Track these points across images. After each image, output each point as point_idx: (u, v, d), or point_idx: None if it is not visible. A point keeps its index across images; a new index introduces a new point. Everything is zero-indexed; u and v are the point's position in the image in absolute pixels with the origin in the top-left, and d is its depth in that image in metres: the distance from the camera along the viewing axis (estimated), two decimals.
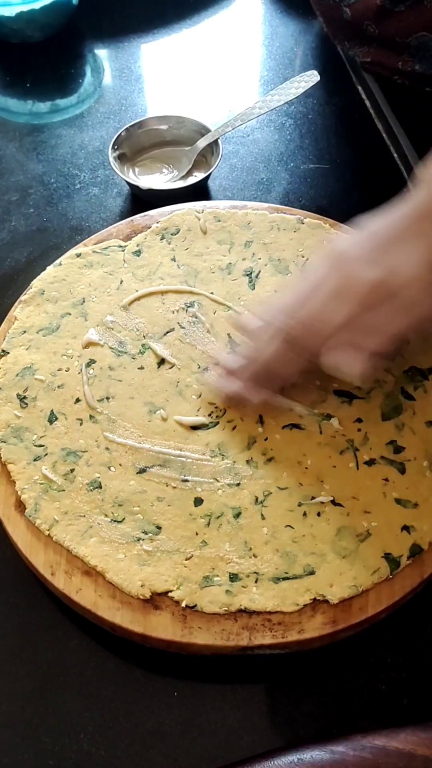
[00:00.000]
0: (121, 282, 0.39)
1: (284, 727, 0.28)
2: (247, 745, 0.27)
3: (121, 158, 0.47)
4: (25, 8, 0.52)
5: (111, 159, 0.46)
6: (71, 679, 0.29)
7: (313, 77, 0.47)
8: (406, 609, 0.30)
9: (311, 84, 0.47)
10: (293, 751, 0.25)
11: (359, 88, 0.53)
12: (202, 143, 0.47)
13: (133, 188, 0.46)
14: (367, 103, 0.51)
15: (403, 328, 0.28)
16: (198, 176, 0.46)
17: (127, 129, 0.47)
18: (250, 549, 0.30)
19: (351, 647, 0.29)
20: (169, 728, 0.28)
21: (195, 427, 0.34)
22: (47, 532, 0.30)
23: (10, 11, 0.52)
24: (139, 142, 0.48)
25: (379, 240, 0.28)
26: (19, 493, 0.32)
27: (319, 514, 0.31)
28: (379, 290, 0.27)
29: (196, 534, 0.30)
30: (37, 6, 0.52)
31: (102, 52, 0.58)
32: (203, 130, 0.47)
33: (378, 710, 0.28)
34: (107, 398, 0.35)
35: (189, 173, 0.47)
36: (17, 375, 0.35)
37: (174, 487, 0.32)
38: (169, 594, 0.29)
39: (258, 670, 0.29)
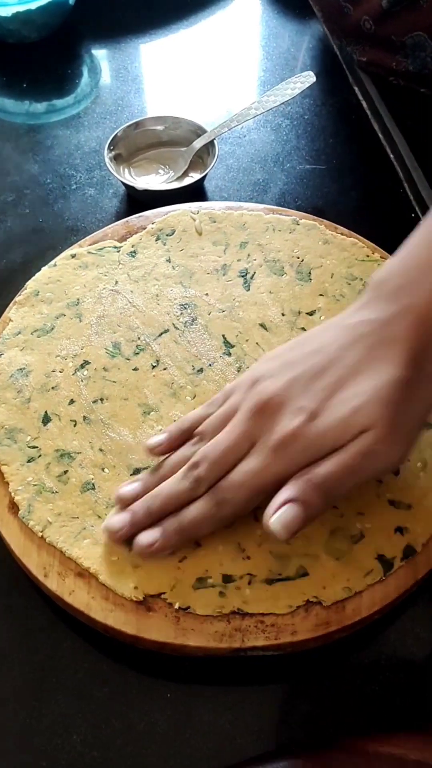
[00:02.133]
0: (116, 283, 0.39)
1: (277, 729, 0.28)
2: (240, 747, 0.27)
3: (117, 159, 0.47)
4: (22, 8, 0.52)
5: (107, 159, 0.46)
6: (64, 680, 0.29)
7: (309, 78, 0.47)
8: (398, 610, 0.30)
9: (307, 85, 0.47)
10: (284, 758, 0.25)
11: (356, 89, 0.53)
12: (198, 144, 0.47)
13: (129, 189, 0.46)
14: (364, 104, 0.51)
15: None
16: (194, 177, 0.46)
17: (123, 129, 0.47)
18: (244, 551, 0.30)
19: (344, 648, 0.29)
20: (162, 729, 0.28)
21: None
22: (40, 534, 0.30)
23: (6, 11, 0.52)
24: (135, 143, 0.48)
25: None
26: (12, 494, 0.31)
27: None
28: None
29: None
30: (33, 6, 0.52)
31: (99, 53, 0.58)
32: (199, 131, 0.47)
33: (372, 711, 0.28)
34: (101, 399, 0.35)
35: (185, 174, 0.47)
36: (11, 376, 0.35)
37: None
38: (162, 596, 0.29)
39: (251, 672, 0.29)
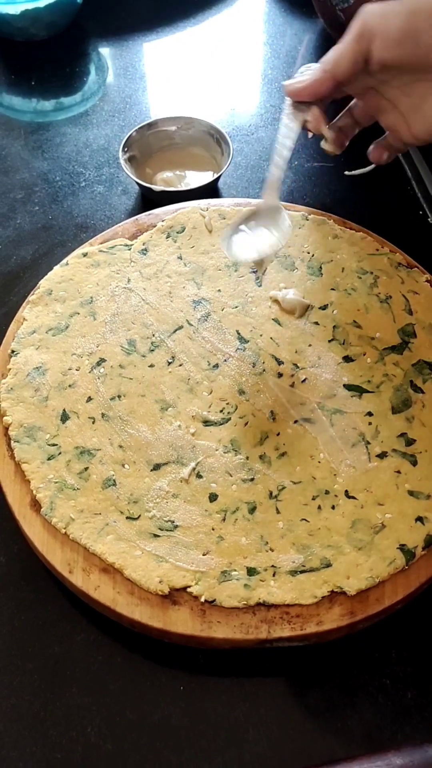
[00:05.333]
0: (129, 281, 0.39)
1: (289, 721, 0.28)
2: (253, 738, 0.28)
3: (131, 160, 0.46)
4: (30, 6, 0.52)
5: (122, 162, 0.45)
6: (78, 672, 0.29)
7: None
8: (408, 605, 0.30)
9: None
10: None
11: None
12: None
13: (144, 190, 0.46)
14: None
15: None
16: (208, 177, 0.46)
17: (136, 131, 0.46)
18: (267, 543, 0.30)
19: (355, 642, 0.30)
20: (176, 721, 0.28)
21: (207, 424, 0.34)
22: (64, 531, 0.30)
23: (15, 9, 0.52)
24: (148, 144, 0.47)
25: None
26: (34, 492, 0.32)
27: (333, 507, 0.31)
28: None
29: (213, 529, 0.31)
30: (41, 4, 0.52)
31: (106, 51, 0.58)
32: (212, 131, 0.47)
33: (382, 703, 0.29)
34: (118, 396, 0.35)
35: (199, 171, 0.47)
36: (27, 375, 0.35)
37: (188, 484, 0.32)
38: (188, 589, 0.29)
39: (263, 664, 0.29)
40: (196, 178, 0.47)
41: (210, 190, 0.47)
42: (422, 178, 0.47)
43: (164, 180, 0.47)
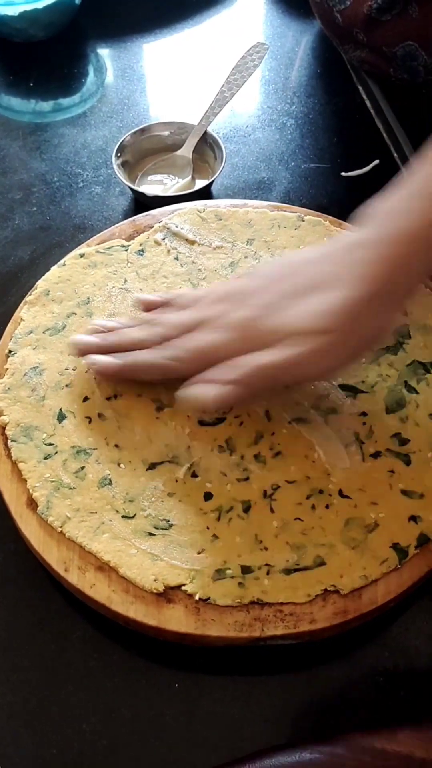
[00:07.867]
0: (125, 281, 0.40)
1: (284, 719, 0.28)
2: (248, 736, 0.28)
3: (124, 165, 0.47)
4: (29, 7, 0.52)
5: (115, 167, 0.46)
6: (74, 670, 0.29)
7: (263, 47, 0.48)
8: (401, 603, 0.30)
9: (265, 54, 0.48)
10: (292, 751, 0.25)
11: (360, 88, 0.53)
12: (188, 148, 0.47)
13: (138, 195, 0.46)
14: (368, 103, 0.52)
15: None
16: (201, 182, 0.47)
17: (129, 136, 0.47)
18: (261, 542, 0.30)
19: (349, 641, 0.30)
20: (171, 719, 0.28)
21: (202, 423, 0.34)
22: (60, 529, 0.31)
23: (13, 10, 0.52)
24: (141, 149, 0.47)
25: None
26: (30, 491, 0.32)
27: (327, 506, 0.31)
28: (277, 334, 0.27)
29: (207, 528, 0.31)
30: (40, 5, 0.53)
31: (104, 52, 0.58)
32: (206, 136, 0.47)
33: (376, 702, 0.29)
34: (114, 396, 0.35)
35: (192, 178, 0.47)
36: (24, 375, 0.36)
37: (183, 483, 0.32)
38: (183, 587, 0.29)
39: (258, 663, 0.30)
40: (189, 184, 0.47)
41: (203, 195, 0.47)
42: None
43: (157, 185, 0.47)
